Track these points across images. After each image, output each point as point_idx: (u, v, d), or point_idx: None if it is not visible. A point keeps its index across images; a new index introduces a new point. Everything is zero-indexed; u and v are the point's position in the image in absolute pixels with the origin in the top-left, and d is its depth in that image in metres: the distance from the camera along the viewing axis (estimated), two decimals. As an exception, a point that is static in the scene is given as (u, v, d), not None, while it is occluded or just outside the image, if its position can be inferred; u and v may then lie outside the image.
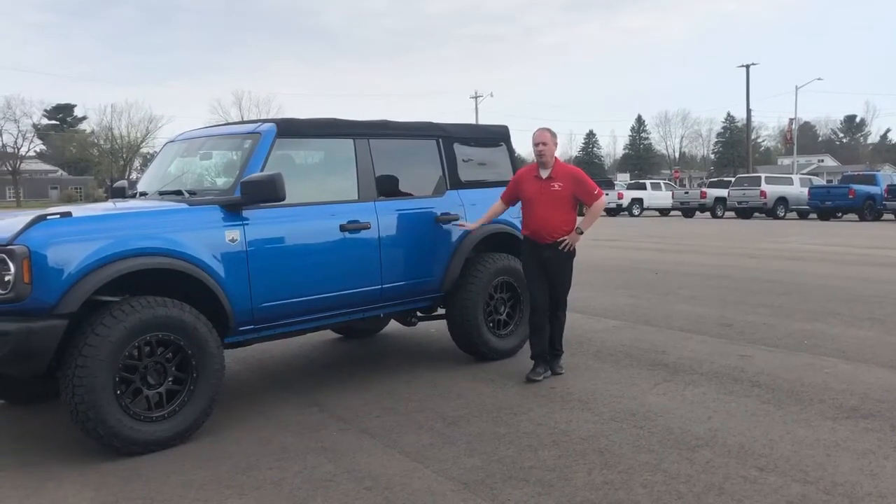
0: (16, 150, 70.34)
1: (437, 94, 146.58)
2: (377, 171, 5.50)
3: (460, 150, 6.15)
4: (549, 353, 5.61)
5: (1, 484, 3.84)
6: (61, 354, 3.98)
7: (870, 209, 26.88)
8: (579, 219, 5.58)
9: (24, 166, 73.53)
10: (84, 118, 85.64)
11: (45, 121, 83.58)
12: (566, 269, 5.58)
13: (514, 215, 6.35)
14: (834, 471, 3.68)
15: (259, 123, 5.17)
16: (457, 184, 6.03)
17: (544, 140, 5.47)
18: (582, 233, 5.49)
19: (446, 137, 6.07)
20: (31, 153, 76.47)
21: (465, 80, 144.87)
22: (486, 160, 6.42)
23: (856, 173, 31.87)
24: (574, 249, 5.56)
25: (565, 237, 5.46)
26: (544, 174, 5.52)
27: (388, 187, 5.57)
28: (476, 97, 64.26)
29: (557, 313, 5.64)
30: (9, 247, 3.81)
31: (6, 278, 3.82)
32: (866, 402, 4.78)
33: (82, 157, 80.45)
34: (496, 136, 6.60)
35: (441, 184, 5.97)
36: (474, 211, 5.99)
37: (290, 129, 5.13)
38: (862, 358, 5.91)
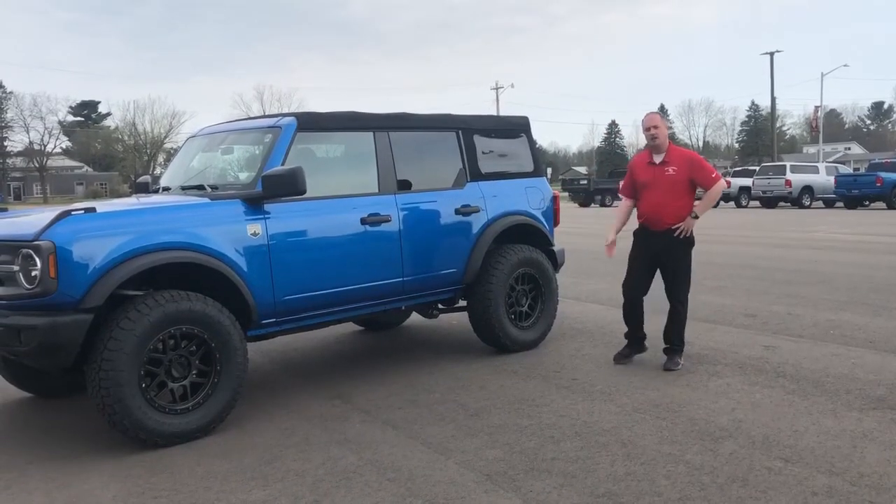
0: (42, 147, 71.55)
1: (459, 85, 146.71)
2: (397, 163, 5.50)
3: (480, 142, 6.13)
4: (665, 346, 5.51)
5: (30, 475, 3.91)
6: (87, 348, 4.04)
7: (898, 197, 26.41)
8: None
9: (51, 163, 74.86)
10: (108, 114, 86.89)
11: (70, 118, 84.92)
12: (683, 258, 5.40)
13: (535, 206, 6.35)
14: (860, 462, 3.64)
15: (280, 117, 5.19)
16: (477, 176, 6.01)
17: (655, 123, 5.35)
18: (697, 217, 5.29)
19: (466, 129, 6.05)
20: (57, 150, 77.73)
21: (488, 72, 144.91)
22: (506, 152, 6.40)
23: (883, 161, 31.20)
24: (692, 238, 5.39)
25: (680, 224, 5.31)
26: (658, 159, 5.39)
27: (408, 180, 5.57)
28: (497, 88, 64.13)
29: (676, 307, 5.44)
30: (35, 242, 3.87)
31: (33, 273, 3.88)
32: (894, 392, 4.71)
33: (107, 153, 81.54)
34: (517, 128, 6.58)
35: (461, 176, 5.96)
36: (495, 203, 5.99)
37: (311, 123, 5.15)
38: (890, 347, 5.83)
